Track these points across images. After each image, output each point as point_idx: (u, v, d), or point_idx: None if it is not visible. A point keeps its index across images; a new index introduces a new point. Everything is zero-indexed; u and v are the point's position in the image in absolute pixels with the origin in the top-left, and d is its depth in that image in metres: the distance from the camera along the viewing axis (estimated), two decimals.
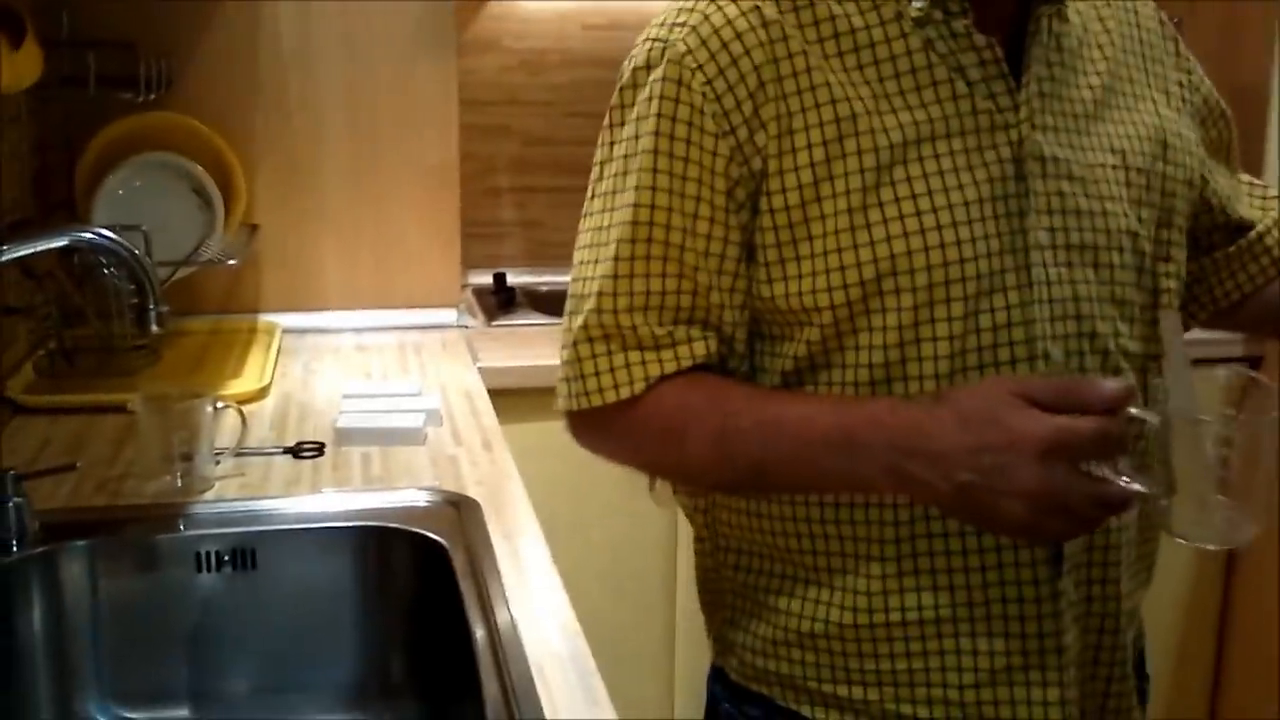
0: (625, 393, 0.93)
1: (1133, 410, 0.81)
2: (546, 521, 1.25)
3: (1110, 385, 0.82)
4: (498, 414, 1.61)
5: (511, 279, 2.31)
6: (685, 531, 1.96)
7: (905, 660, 0.93)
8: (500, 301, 2.24)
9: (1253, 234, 1.09)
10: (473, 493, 1.30)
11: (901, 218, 0.88)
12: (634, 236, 0.92)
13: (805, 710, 0.98)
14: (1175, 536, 0.86)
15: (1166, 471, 0.83)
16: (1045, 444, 0.79)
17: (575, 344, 0.95)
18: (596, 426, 0.98)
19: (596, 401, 0.94)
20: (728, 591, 1.03)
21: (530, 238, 2.46)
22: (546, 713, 0.88)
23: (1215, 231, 1.09)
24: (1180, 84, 1.04)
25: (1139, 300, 0.95)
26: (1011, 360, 0.89)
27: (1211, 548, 0.89)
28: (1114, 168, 0.94)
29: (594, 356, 0.94)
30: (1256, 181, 1.14)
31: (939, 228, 0.88)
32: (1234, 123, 1.10)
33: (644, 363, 0.93)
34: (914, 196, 0.88)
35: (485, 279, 2.31)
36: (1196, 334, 1.13)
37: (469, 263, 2.26)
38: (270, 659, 1.22)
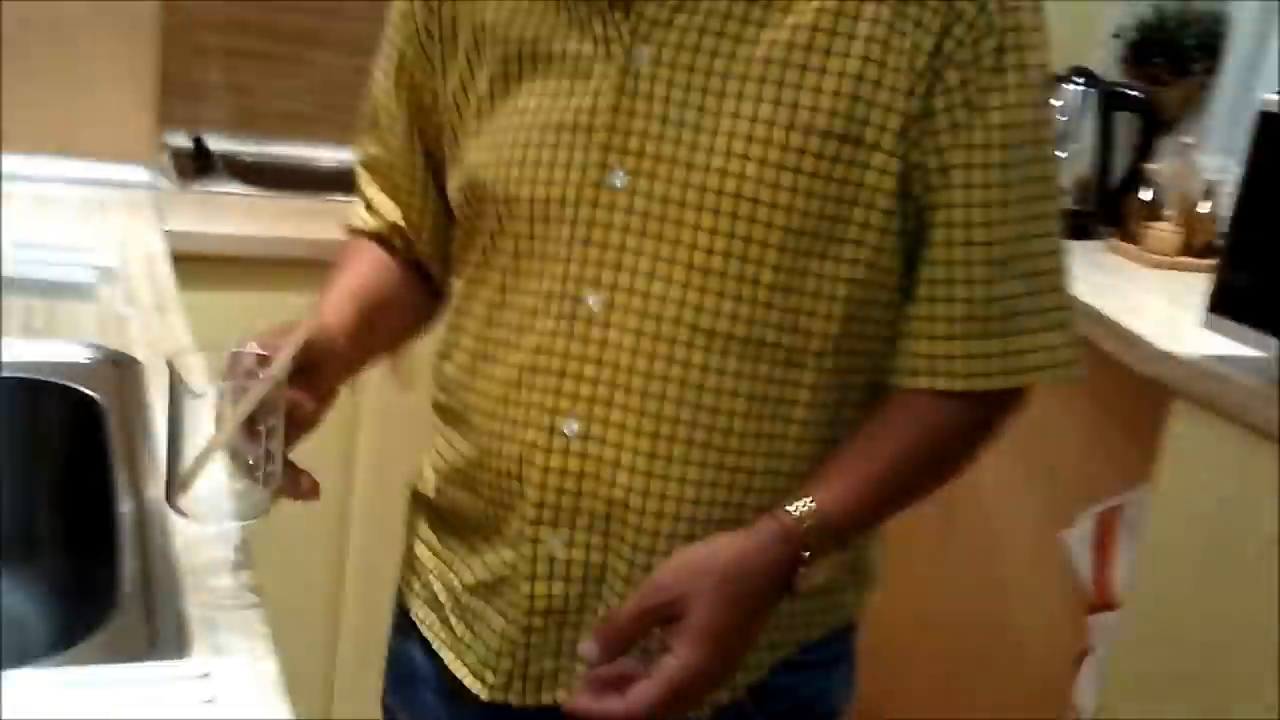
0: (343, 234, 1.08)
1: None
2: None
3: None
4: (185, 280, 1.55)
5: (214, 145, 2.22)
6: (367, 428, 1.96)
7: None
8: (199, 166, 2.15)
9: None
10: (140, 355, 1.27)
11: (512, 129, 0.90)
12: (369, 98, 1.04)
13: None
14: (186, 518, 0.82)
15: (174, 450, 0.78)
16: None
17: None
18: None
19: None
20: None
21: (238, 104, 2.35)
22: (190, 588, 0.87)
23: None
24: None
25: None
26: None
27: (225, 526, 0.84)
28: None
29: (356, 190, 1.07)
30: None
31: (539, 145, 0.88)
32: None
33: (350, 214, 1.07)
34: (521, 112, 0.90)
35: (183, 141, 2.21)
36: None
37: (168, 121, 2.14)
38: None
